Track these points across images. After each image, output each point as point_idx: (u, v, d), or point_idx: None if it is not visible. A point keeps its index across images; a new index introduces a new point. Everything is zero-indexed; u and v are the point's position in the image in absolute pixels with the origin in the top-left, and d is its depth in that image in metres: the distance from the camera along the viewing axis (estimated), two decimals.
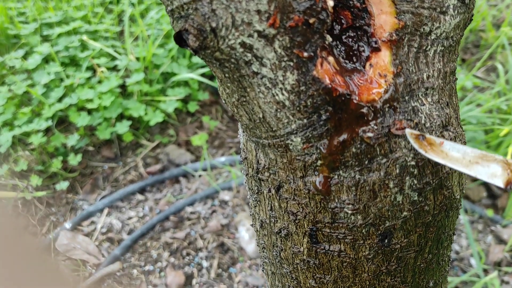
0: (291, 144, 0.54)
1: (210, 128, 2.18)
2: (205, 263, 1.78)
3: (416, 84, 0.53)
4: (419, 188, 0.55)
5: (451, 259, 1.70)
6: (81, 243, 1.88)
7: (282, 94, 0.51)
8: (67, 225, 1.86)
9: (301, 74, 0.50)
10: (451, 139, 0.55)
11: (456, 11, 0.53)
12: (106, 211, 1.93)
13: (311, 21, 0.48)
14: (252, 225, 0.70)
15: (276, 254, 0.65)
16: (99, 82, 2.02)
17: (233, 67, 0.51)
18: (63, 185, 1.90)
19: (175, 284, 1.71)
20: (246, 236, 1.83)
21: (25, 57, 2.14)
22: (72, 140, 1.91)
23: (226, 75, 0.52)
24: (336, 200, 0.55)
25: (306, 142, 0.53)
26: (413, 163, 0.53)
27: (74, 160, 1.94)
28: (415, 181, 0.54)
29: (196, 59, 2.21)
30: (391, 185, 0.54)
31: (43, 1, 2.47)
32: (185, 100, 2.21)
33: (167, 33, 2.22)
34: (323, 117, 0.51)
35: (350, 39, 0.53)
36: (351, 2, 0.52)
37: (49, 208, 1.94)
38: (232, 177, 1.99)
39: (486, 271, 1.72)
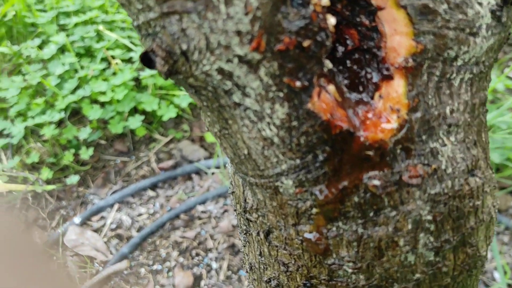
0: (281, 186, 0.45)
1: None
2: (214, 265, 1.71)
3: (437, 121, 0.43)
4: (436, 247, 0.45)
5: None
6: (89, 239, 1.84)
7: (270, 129, 0.42)
8: (77, 219, 1.82)
9: (293, 107, 0.40)
10: (478, 187, 0.45)
11: (489, 32, 0.43)
12: (116, 206, 1.88)
13: (305, 44, 0.38)
14: (242, 263, 0.61)
15: None
16: (114, 74, 1.96)
17: (211, 96, 0.42)
18: (73, 179, 1.86)
19: (183, 285, 1.65)
20: None
21: (41, 46, 2.09)
22: (84, 133, 1.86)
23: (205, 103, 0.43)
24: (334, 256, 0.46)
25: (299, 186, 0.44)
26: (429, 217, 0.44)
27: (86, 153, 1.89)
28: (432, 239, 0.44)
29: None
30: (401, 243, 0.44)
31: None
32: None
33: None
34: (320, 158, 0.42)
35: (356, 64, 0.43)
36: (358, 19, 0.42)
37: (59, 201, 1.90)
38: None
39: (510, 286, 1.61)
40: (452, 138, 0.44)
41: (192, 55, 0.39)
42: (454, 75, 0.43)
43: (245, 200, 0.51)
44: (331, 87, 0.41)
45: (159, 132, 2.07)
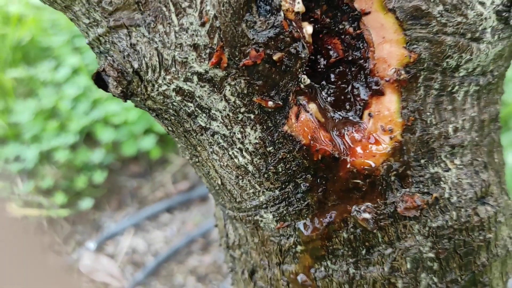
0: (261, 220, 0.39)
1: None
2: None
3: (438, 141, 0.37)
4: None
5: None
6: (104, 265, 1.81)
7: (243, 156, 0.36)
8: (92, 245, 1.79)
9: (267, 130, 0.35)
10: (489, 217, 0.39)
11: (496, 36, 0.37)
12: (131, 231, 1.85)
13: (276, 57, 0.33)
14: None
15: None
16: None
17: (174, 120, 0.37)
18: (87, 203, 1.84)
19: None
20: None
21: (55, 68, 2.10)
22: (98, 155, 1.85)
23: (169, 128, 0.38)
24: None
25: (280, 220, 0.38)
26: (431, 254, 0.37)
27: (100, 176, 1.87)
28: (435, 279, 0.38)
29: None
30: (399, 285, 0.38)
31: None
32: None
33: None
34: (301, 188, 0.36)
35: (342, 78, 0.37)
36: (340, 27, 0.36)
37: (74, 226, 1.88)
38: None
39: None
40: (457, 161, 0.37)
41: (145, 74, 0.34)
42: (457, 87, 0.37)
43: (227, 235, 0.45)
44: (313, 106, 0.36)
45: (175, 153, 2.04)
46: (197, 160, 0.39)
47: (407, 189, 0.36)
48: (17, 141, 2.00)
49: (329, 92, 0.37)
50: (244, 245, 0.43)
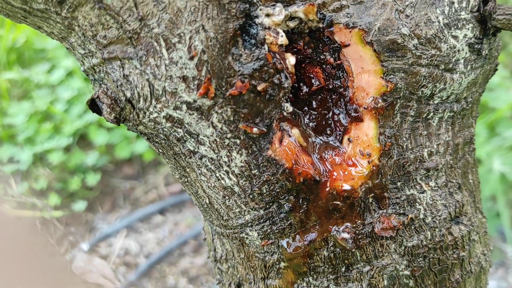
0: (247, 238, 0.41)
1: None
2: None
3: (413, 165, 0.39)
4: None
5: None
6: (97, 266, 1.82)
7: (229, 178, 0.38)
8: (85, 246, 1.81)
9: (252, 154, 0.37)
10: (463, 236, 0.41)
11: (469, 67, 0.39)
12: (124, 232, 1.86)
13: (260, 87, 0.35)
14: None
15: None
16: None
17: (164, 144, 0.39)
18: (81, 205, 1.85)
19: None
20: None
21: (50, 71, 2.11)
22: (92, 158, 1.86)
23: (160, 150, 0.40)
24: None
25: (265, 238, 0.40)
26: (407, 272, 0.39)
27: (93, 178, 1.88)
28: None
29: None
30: None
31: None
32: None
33: None
34: (285, 208, 0.38)
35: (323, 105, 0.39)
36: (322, 57, 0.38)
37: (68, 227, 1.89)
38: None
39: None
40: (432, 183, 0.40)
41: (137, 102, 0.36)
42: (432, 114, 0.39)
43: (214, 249, 0.47)
44: (295, 131, 0.38)
45: None
46: (186, 180, 0.41)
47: (384, 210, 0.38)
48: (11, 142, 2.00)
49: (311, 118, 0.39)
50: (231, 260, 0.45)
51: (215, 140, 0.37)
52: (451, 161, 0.41)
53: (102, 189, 1.98)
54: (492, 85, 1.77)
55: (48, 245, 1.82)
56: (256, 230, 0.40)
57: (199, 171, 0.39)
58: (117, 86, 0.35)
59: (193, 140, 0.37)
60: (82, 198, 1.92)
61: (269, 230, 0.40)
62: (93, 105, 0.38)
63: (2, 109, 2.11)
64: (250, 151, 0.37)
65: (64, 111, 1.95)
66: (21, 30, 2.25)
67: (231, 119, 0.36)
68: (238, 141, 0.37)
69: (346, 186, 0.38)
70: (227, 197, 0.39)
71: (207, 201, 0.41)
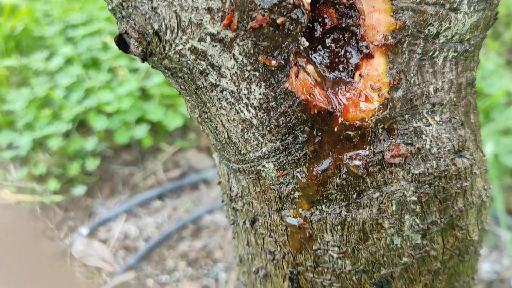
0: (263, 170, 0.44)
1: None
2: (223, 275, 1.70)
3: (420, 99, 0.42)
4: (423, 229, 0.43)
5: (490, 281, 1.55)
6: (97, 249, 1.84)
7: (248, 110, 0.41)
8: (84, 230, 1.82)
9: (270, 87, 0.40)
10: (465, 168, 0.44)
11: (472, 8, 0.42)
12: (123, 217, 1.88)
13: (279, 21, 0.38)
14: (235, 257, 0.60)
15: None
16: (120, 84, 1.97)
17: (187, 78, 0.41)
18: (80, 190, 1.87)
19: None
20: None
21: (48, 58, 2.12)
22: (91, 143, 1.87)
23: (182, 86, 0.43)
24: (319, 241, 0.45)
25: (280, 169, 0.43)
26: (414, 198, 0.42)
27: (93, 164, 1.90)
28: (417, 221, 0.43)
29: None
30: (385, 225, 0.43)
31: (70, 2, 2.45)
32: None
33: None
34: (300, 139, 0.41)
35: (335, 43, 0.42)
36: None
37: (67, 212, 1.90)
38: None
39: None
40: (437, 118, 0.43)
41: (164, 34, 0.38)
42: (437, 53, 0.42)
43: (230, 188, 0.50)
44: (310, 67, 0.41)
45: (166, 142, 2.08)
46: (206, 116, 0.44)
47: (393, 140, 0.41)
48: (10, 129, 2.01)
49: (324, 56, 0.42)
50: (246, 196, 0.48)
51: (236, 72, 0.39)
52: (454, 99, 0.44)
53: (101, 175, 2.00)
54: (486, 73, 1.81)
55: (48, 230, 1.84)
56: (272, 162, 0.43)
57: (219, 105, 0.42)
58: (145, 19, 0.38)
59: (215, 72, 0.40)
60: (81, 183, 1.94)
61: (284, 161, 0.42)
62: (120, 42, 0.41)
63: (1, 96, 2.12)
64: (268, 84, 0.39)
65: (63, 97, 1.96)
66: (19, 18, 2.26)
67: (252, 51, 0.38)
68: (257, 74, 0.39)
69: (358, 118, 0.40)
70: (245, 130, 0.42)
71: (226, 136, 0.44)
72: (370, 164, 0.41)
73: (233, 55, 0.38)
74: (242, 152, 0.44)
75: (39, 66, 2.06)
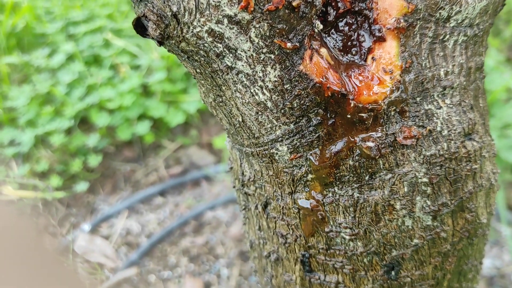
0: (277, 153, 0.45)
1: None
2: (225, 271, 1.71)
3: (431, 82, 0.43)
4: (434, 211, 0.44)
5: (491, 276, 1.56)
6: (99, 245, 1.85)
7: (263, 93, 0.42)
8: (86, 226, 1.83)
9: (285, 69, 0.40)
10: (475, 150, 0.45)
11: None
12: (125, 213, 1.89)
13: (295, 3, 0.38)
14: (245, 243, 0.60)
15: (268, 281, 0.56)
16: (122, 81, 1.98)
17: (203, 61, 0.42)
18: (83, 186, 1.87)
19: None
20: None
21: (50, 55, 2.13)
22: (93, 140, 1.88)
23: (197, 70, 0.44)
24: (331, 223, 0.45)
25: (294, 151, 0.44)
26: (425, 179, 0.43)
27: (95, 160, 1.90)
28: (428, 202, 0.44)
29: None
30: (397, 207, 0.43)
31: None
32: None
33: None
34: (313, 121, 0.42)
35: (348, 27, 0.43)
36: None
37: (69, 208, 1.91)
38: None
39: None
40: (448, 101, 0.43)
41: (182, 16, 0.39)
42: (448, 36, 0.43)
43: (242, 173, 0.51)
44: (324, 50, 0.41)
45: (168, 138, 2.08)
46: (220, 100, 0.45)
47: (405, 122, 0.42)
48: (12, 125, 2.02)
49: (337, 39, 0.43)
50: (259, 180, 0.49)
51: (252, 55, 0.40)
52: (464, 83, 0.44)
53: (103, 171, 2.00)
54: (487, 69, 1.82)
55: (50, 226, 1.84)
56: (286, 145, 0.43)
57: (234, 88, 0.42)
58: (164, 2, 0.39)
59: (231, 55, 0.40)
60: (84, 180, 1.94)
61: (298, 144, 0.43)
62: (137, 26, 0.41)
63: (3, 93, 2.12)
64: (283, 66, 0.40)
65: (65, 94, 1.97)
66: (20, 15, 2.27)
67: (267, 34, 0.39)
68: (272, 56, 0.40)
69: (371, 100, 0.41)
70: (259, 113, 0.43)
71: (240, 119, 0.44)
72: (382, 146, 0.42)
73: (250, 37, 0.39)
74: (256, 136, 0.45)
75: (40, 63, 2.06)
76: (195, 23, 0.39)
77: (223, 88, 0.43)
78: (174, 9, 0.39)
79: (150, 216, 1.88)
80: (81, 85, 1.99)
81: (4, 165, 1.97)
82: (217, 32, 0.39)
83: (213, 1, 0.38)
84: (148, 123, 1.92)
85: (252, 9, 0.38)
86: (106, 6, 2.32)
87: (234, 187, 0.55)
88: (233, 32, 0.39)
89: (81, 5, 2.34)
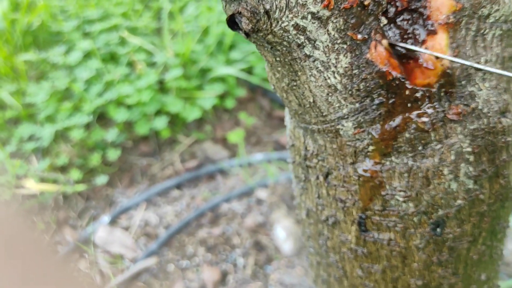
0: (342, 129, 0.53)
1: (247, 125, 2.18)
2: (241, 260, 1.78)
3: (473, 69, 0.51)
4: (475, 176, 0.53)
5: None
6: (119, 237, 1.91)
7: (334, 77, 0.50)
8: (106, 218, 1.89)
9: (355, 57, 0.49)
10: (509, 126, 0.53)
11: None
12: (143, 205, 1.95)
13: (366, 2, 0.47)
14: (296, 214, 0.69)
15: (323, 243, 0.64)
16: (138, 78, 2.05)
17: (285, 50, 0.50)
18: (102, 179, 1.93)
19: (211, 280, 1.71)
20: (281, 235, 1.82)
21: (67, 53, 2.19)
22: (112, 134, 1.94)
23: (278, 58, 0.52)
24: (388, 187, 0.54)
25: (358, 127, 0.52)
26: (469, 149, 0.52)
27: (114, 154, 1.96)
28: (471, 168, 0.53)
29: (234, 55, 2.21)
30: (445, 172, 0.52)
31: None
32: (222, 96, 2.21)
33: (205, 29, 2.23)
34: (376, 101, 0.50)
35: (405, 22, 0.51)
36: None
37: (89, 201, 1.97)
38: (269, 175, 1.99)
39: None
40: (487, 84, 0.52)
41: (274, 13, 0.47)
42: (487, 30, 0.52)
43: (305, 148, 0.59)
44: (385, 41, 0.50)
45: (183, 133, 2.15)
46: (294, 84, 0.53)
47: (453, 101, 0.51)
48: (31, 121, 2.08)
49: (395, 32, 0.52)
50: (322, 153, 0.57)
51: (328, 45, 0.48)
52: (500, 69, 0.53)
53: (120, 165, 2.07)
54: None
55: (71, 218, 1.90)
56: (351, 121, 0.52)
57: (310, 73, 0.51)
58: (258, 1, 0.47)
59: (310, 45, 0.49)
60: (103, 173, 2.00)
61: (362, 120, 0.52)
62: (230, 22, 0.50)
63: (21, 89, 2.18)
64: (353, 54, 0.49)
65: (83, 90, 2.03)
66: (36, 13, 2.32)
67: (342, 27, 0.47)
68: (345, 46, 0.48)
69: (425, 83, 0.50)
70: (330, 94, 0.51)
71: (311, 100, 0.53)
72: (434, 120, 0.50)
73: (327, 30, 0.48)
74: (324, 114, 0.53)
75: (58, 60, 2.12)
76: (283, 19, 0.47)
77: (299, 73, 0.52)
78: (267, 7, 0.47)
79: (167, 208, 1.95)
80: (99, 82, 2.05)
81: (24, 160, 2.03)
82: (301, 26, 0.48)
83: (301, 0, 0.46)
84: (165, 118, 1.99)
85: (332, 7, 0.46)
86: (120, 5, 2.39)
87: (293, 162, 0.63)
88: (315, 26, 0.47)
89: (96, 3, 2.40)
